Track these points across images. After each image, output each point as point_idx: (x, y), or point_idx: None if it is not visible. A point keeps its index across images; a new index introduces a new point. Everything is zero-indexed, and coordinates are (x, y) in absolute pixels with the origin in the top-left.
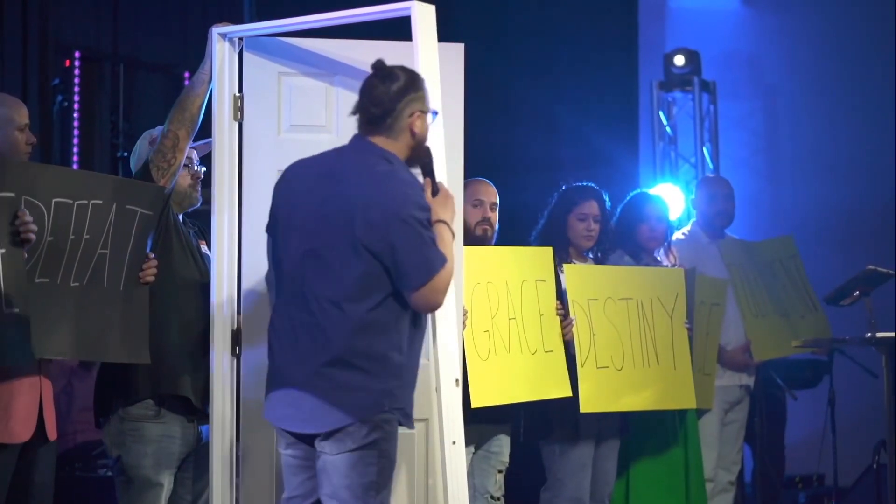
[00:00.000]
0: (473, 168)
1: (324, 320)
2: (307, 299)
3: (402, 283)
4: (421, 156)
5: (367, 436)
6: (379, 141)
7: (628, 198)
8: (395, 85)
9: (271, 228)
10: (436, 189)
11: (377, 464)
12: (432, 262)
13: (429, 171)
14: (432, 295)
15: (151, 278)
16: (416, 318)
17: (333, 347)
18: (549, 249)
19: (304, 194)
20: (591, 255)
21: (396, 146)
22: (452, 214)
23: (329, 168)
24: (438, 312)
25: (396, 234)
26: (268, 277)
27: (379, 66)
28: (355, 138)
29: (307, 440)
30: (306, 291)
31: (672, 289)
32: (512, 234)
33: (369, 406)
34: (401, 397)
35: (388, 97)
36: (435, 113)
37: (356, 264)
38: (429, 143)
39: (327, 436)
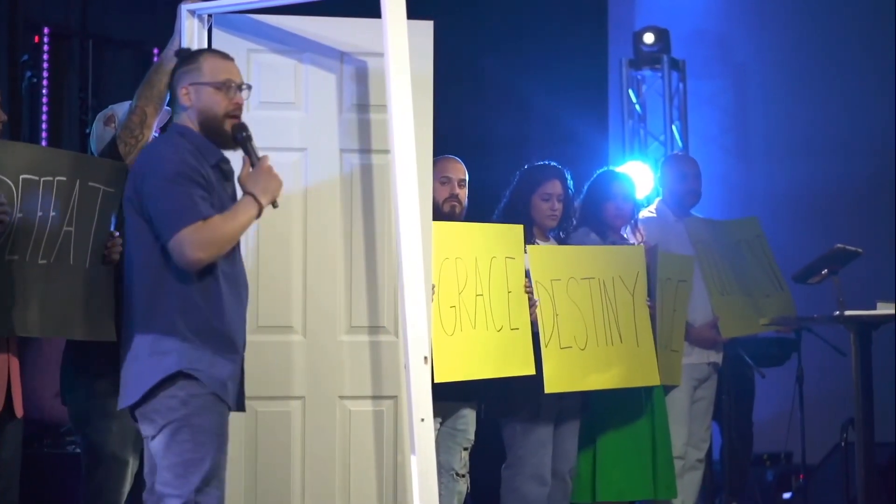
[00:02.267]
0: (443, 146)
1: (127, 288)
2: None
3: (160, 238)
4: (234, 132)
5: (173, 411)
6: (176, 119)
7: (595, 175)
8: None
9: None
10: (254, 164)
11: (192, 439)
12: (179, 214)
13: (243, 147)
14: (181, 248)
15: (117, 257)
16: (217, 279)
17: (126, 317)
18: (520, 227)
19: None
20: (553, 235)
21: (185, 120)
22: (265, 190)
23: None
24: (407, 291)
25: (148, 188)
26: None
27: (177, 52)
28: None
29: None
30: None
31: (633, 267)
32: (481, 211)
33: (157, 370)
34: (200, 361)
35: (171, 80)
36: (224, 83)
37: (131, 226)
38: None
39: (138, 414)
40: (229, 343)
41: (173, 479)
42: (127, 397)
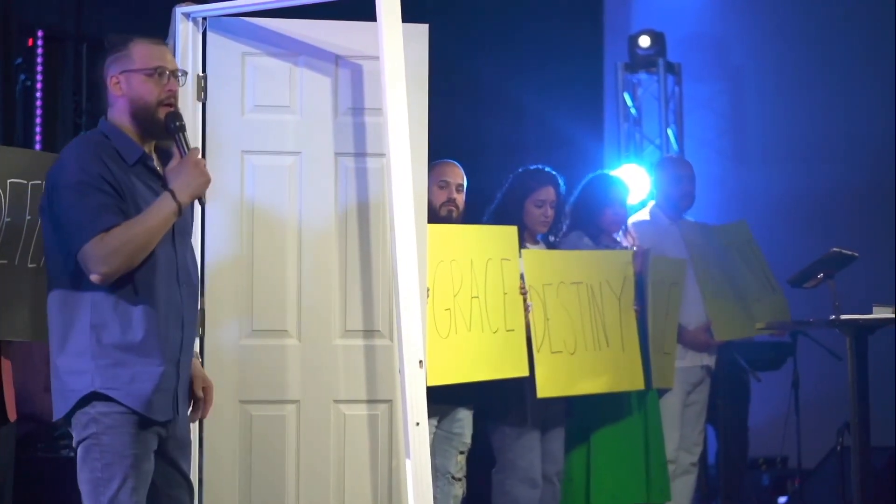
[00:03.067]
0: (438, 149)
1: (48, 302)
2: None
3: (69, 248)
4: (166, 121)
5: (85, 428)
6: (108, 113)
7: (588, 179)
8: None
9: None
10: (183, 156)
11: (100, 458)
12: (80, 228)
13: (174, 138)
14: (85, 264)
15: None
16: (133, 288)
17: (49, 330)
18: (515, 228)
19: None
20: (542, 239)
21: (115, 116)
22: (187, 185)
23: None
24: (402, 295)
25: (53, 201)
26: None
27: (106, 39)
28: None
29: None
30: None
31: (620, 271)
32: (477, 215)
33: (72, 392)
34: (115, 379)
35: (101, 70)
36: (157, 70)
37: (46, 237)
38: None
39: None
40: (150, 353)
41: (86, 497)
42: (56, 412)
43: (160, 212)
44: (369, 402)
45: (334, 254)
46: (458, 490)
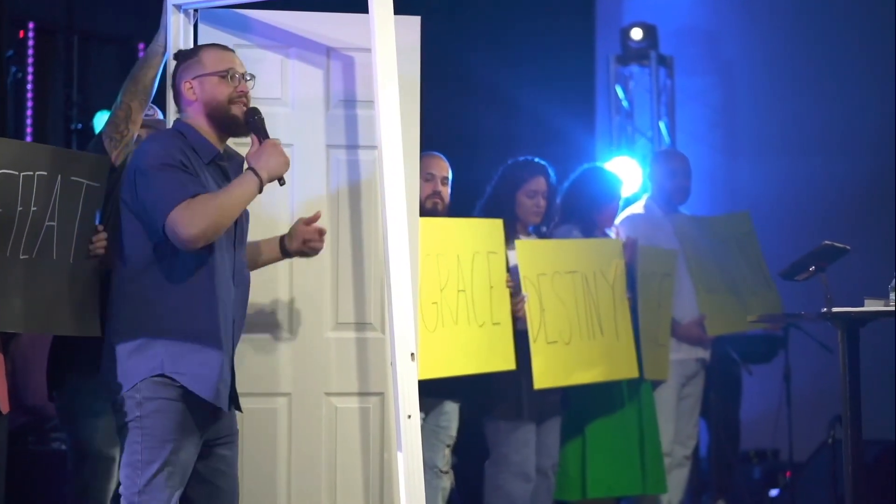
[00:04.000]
0: (429, 142)
1: (117, 286)
2: None
3: (157, 226)
4: (246, 117)
5: (131, 411)
6: (181, 118)
7: (578, 172)
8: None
9: None
10: (261, 143)
11: (141, 442)
12: (166, 197)
13: (254, 129)
14: (174, 228)
15: (101, 251)
16: (202, 276)
17: (111, 316)
18: (500, 222)
19: None
20: (533, 231)
21: (190, 118)
22: (267, 164)
23: None
24: (393, 288)
25: (139, 184)
26: None
27: (175, 54)
28: None
29: None
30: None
31: (612, 260)
32: (468, 209)
33: (136, 373)
34: (185, 365)
35: (172, 80)
36: (228, 71)
37: (126, 225)
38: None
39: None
40: (215, 344)
41: (125, 478)
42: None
43: (242, 185)
44: (361, 394)
45: (326, 246)
46: (446, 483)
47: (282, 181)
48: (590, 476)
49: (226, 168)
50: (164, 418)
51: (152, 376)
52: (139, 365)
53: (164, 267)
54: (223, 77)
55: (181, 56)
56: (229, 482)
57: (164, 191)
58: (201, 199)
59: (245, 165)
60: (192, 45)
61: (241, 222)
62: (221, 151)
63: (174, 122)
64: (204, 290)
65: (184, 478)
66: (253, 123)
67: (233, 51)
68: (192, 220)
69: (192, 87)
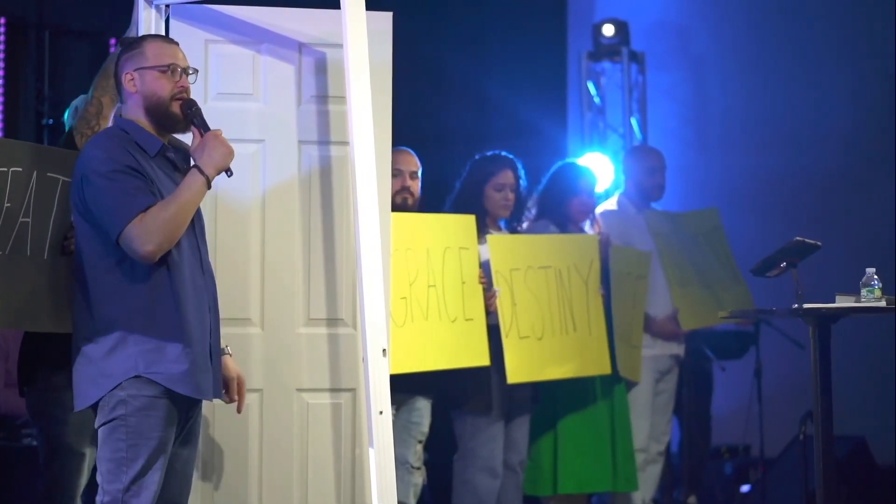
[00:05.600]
0: (401, 138)
1: (78, 289)
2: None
3: (107, 237)
4: (182, 109)
5: (113, 410)
6: (121, 111)
7: (555, 168)
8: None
9: None
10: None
11: (126, 439)
12: (120, 212)
13: (193, 122)
14: (129, 244)
15: (74, 248)
16: (167, 271)
17: (78, 320)
18: (473, 217)
19: None
20: (504, 225)
21: (131, 111)
22: (210, 158)
23: None
24: (365, 284)
25: (86, 192)
26: None
27: (119, 40)
28: None
29: None
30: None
31: (587, 256)
32: (439, 204)
33: (110, 377)
34: (159, 363)
35: (113, 70)
36: (169, 66)
37: (78, 228)
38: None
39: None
40: (190, 336)
41: (106, 475)
42: (82, 399)
43: (191, 187)
44: (332, 390)
45: (297, 242)
46: (418, 479)
47: (229, 172)
48: (561, 471)
49: (173, 158)
50: (149, 416)
51: (132, 377)
52: (116, 366)
53: (124, 268)
54: (164, 72)
55: (125, 45)
56: (179, 482)
57: (115, 204)
58: (153, 212)
59: (191, 161)
60: None
61: (198, 214)
62: (165, 143)
63: (115, 118)
64: (165, 286)
65: (164, 472)
66: (190, 116)
67: (177, 43)
68: (147, 236)
69: (132, 79)
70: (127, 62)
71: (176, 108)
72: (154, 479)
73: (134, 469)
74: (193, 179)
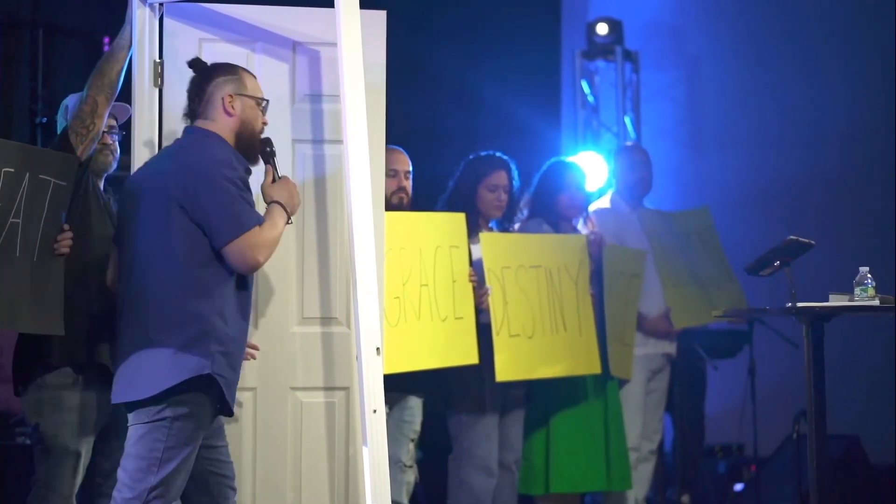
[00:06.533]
0: (395, 136)
1: (151, 284)
2: (134, 274)
3: (213, 240)
4: (261, 146)
5: (160, 412)
6: (200, 123)
7: (546, 166)
8: (205, 71)
9: (117, 238)
10: (276, 178)
11: (165, 441)
12: (242, 218)
13: (268, 160)
14: (244, 251)
15: (66, 250)
16: (239, 283)
17: (150, 308)
18: (463, 215)
19: (127, 190)
20: (496, 225)
21: (217, 127)
22: (290, 201)
23: (154, 160)
24: (359, 283)
25: (204, 190)
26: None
27: (192, 62)
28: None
29: None
30: (135, 266)
31: (576, 255)
32: (431, 203)
33: (181, 371)
34: (224, 367)
35: (197, 81)
36: (266, 101)
37: (171, 223)
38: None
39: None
40: (242, 348)
41: (134, 472)
42: (136, 392)
43: (281, 221)
44: (326, 389)
45: (292, 241)
46: (410, 477)
47: (290, 220)
48: (554, 471)
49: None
50: (192, 422)
51: (196, 376)
52: (190, 361)
53: (212, 270)
54: (259, 104)
55: (219, 69)
56: (229, 468)
57: (234, 212)
58: (266, 229)
59: (264, 196)
60: (157, 41)
61: None
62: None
63: (205, 130)
64: (234, 297)
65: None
66: (269, 154)
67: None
68: (261, 249)
69: (231, 102)
70: (226, 84)
71: (257, 140)
72: (180, 482)
73: (166, 471)
74: (280, 215)
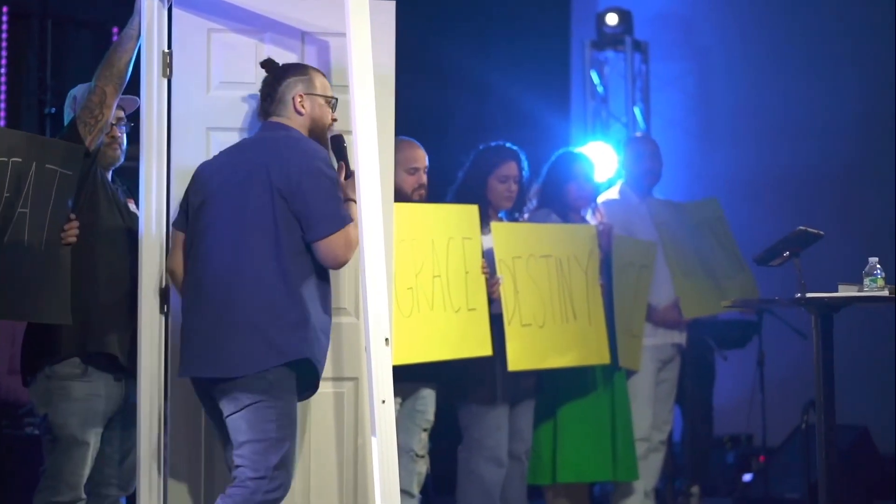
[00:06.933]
0: (403, 127)
1: (240, 274)
2: (224, 259)
3: (310, 233)
4: (333, 143)
5: (262, 392)
6: (276, 119)
7: (554, 157)
8: (277, 72)
9: (181, 223)
10: (349, 174)
11: (276, 421)
12: (341, 216)
13: (342, 157)
14: (338, 248)
15: (73, 239)
16: (322, 275)
17: (258, 289)
18: (476, 207)
19: (213, 179)
20: (505, 216)
21: (291, 124)
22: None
23: (239, 150)
24: (368, 273)
25: (308, 183)
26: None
27: (265, 62)
28: (261, 124)
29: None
30: (225, 251)
31: (585, 245)
32: (441, 195)
33: (281, 353)
34: (319, 352)
35: (269, 82)
36: (335, 99)
37: (276, 212)
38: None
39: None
40: (328, 342)
41: (252, 455)
42: (230, 370)
43: (356, 216)
44: (335, 379)
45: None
46: (422, 467)
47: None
48: (560, 461)
49: None
50: (292, 401)
51: (296, 359)
52: (293, 344)
53: (307, 258)
54: (328, 102)
55: (290, 70)
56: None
57: (333, 210)
58: (353, 228)
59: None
60: (166, 31)
61: None
62: None
63: (289, 128)
64: (324, 289)
65: None
66: (341, 149)
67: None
68: (350, 247)
69: (302, 101)
70: (297, 84)
71: (326, 137)
72: (292, 458)
73: (282, 450)
74: (356, 212)
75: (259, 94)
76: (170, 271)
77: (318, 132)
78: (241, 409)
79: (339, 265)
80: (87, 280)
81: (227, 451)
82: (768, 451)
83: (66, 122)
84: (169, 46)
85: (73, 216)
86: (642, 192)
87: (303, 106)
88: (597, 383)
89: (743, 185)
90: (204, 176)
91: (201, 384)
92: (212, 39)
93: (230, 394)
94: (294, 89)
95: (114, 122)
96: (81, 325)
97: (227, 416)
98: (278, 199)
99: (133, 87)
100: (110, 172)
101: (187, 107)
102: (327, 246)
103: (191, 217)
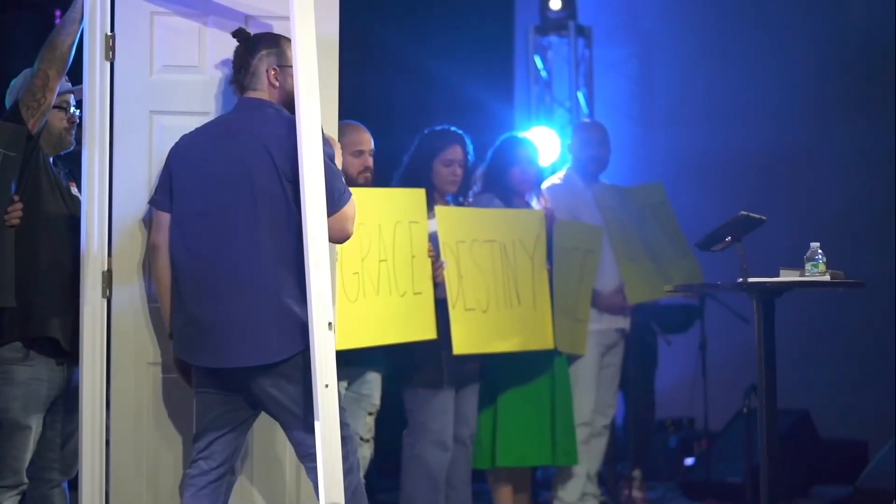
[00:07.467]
0: (346, 111)
1: (262, 258)
2: (238, 242)
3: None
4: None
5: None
6: (253, 94)
7: (498, 142)
8: (248, 44)
9: (165, 203)
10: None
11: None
12: (343, 191)
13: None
14: (346, 222)
15: (16, 221)
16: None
17: (278, 276)
18: (423, 191)
19: (203, 159)
20: (451, 200)
21: (268, 97)
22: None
23: (227, 130)
24: (311, 256)
25: None
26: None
27: (236, 32)
28: (238, 101)
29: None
30: (237, 234)
31: (532, 231)
32: (386, 179)
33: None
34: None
35: (241, 53)
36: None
37: (286, 196)
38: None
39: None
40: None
41: (306, 438)
42: (274, 352)
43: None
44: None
45: None
46: (367, 451)
47: None
48: (500, 445)
49: None
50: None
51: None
52: (308, 323)
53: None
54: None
55: (262, 41)
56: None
57: (338, 185)
58: (353, 202)
59: None
60: (109, 14)
61: None
62: None
63: (266, 101)
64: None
65: None
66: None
67: None
68: (353, 221)
69: (275, 74)
70: (270, 57)
71: None
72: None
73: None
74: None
75: (232, 65)
76: (153, 247)
77: (292, 104)
78: (302, 387)
79: (346, 238)
80: (29, 264)
81: (209, 438)
82: (710, 435)
83: (7, 107)
84: (112, 29)
85: (16, 198)
86: (588, 177)
87: (276, 79)
88: (537, 368)
89: (684, 169)
90: (191, 156)
91: (231, 375)
92: (155, 22)
93: (285, 376)
94: (266, 62)
95: (75, 108)
96: (23, 309)
97: (289, 400)
98: (286, 183)
99: (76, 70)
100: (52, 157)
101: (131, 90)
102: (337, 221)
103: (179, 198)
